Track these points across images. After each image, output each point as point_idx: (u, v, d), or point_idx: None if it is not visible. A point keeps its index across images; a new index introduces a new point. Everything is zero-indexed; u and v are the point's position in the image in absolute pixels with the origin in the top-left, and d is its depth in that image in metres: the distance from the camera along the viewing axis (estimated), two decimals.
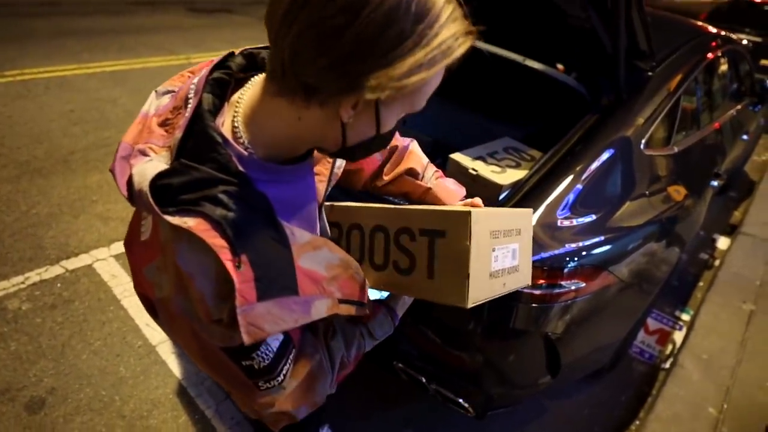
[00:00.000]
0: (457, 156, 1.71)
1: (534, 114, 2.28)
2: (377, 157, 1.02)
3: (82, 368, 1.89)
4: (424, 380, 1.55)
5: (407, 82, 0.49)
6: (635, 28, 1.50)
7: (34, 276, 2.30)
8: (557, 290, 1.34)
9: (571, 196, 1.42)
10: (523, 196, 1.43)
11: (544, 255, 1.33)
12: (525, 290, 1.33)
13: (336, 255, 0.68)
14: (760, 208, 3.61)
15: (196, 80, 0.63)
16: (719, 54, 2.31)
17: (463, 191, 1.04)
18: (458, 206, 0.92)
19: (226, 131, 0.60)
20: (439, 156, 1.87)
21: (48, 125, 3.80)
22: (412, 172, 1.01)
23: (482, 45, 1.84)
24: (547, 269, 1.33)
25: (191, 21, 9.28)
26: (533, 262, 1.17)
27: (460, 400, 1.53)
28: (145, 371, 1.91)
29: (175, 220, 0.53)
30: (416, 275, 0.72)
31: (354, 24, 0.46)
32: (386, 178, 1.02)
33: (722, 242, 3.37)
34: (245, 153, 0.59)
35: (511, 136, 1.93)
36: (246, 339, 0.54)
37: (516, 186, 1.54)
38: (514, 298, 1.34)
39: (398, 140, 1.02)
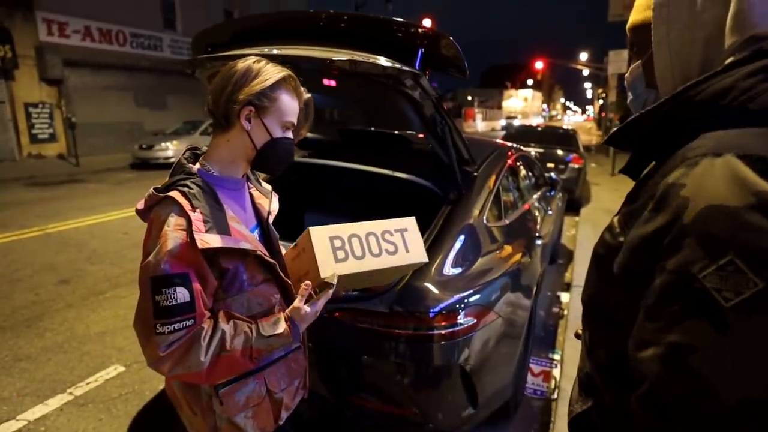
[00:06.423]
0: None
1: (411, 211, 2.88)
2: None
3: None
4: None
5: (256, 91, 1.05)
6: (459, 146, 2.22)
7: None
8: (457, 328, 1.77)
9: (448, 260, 1.93)
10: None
11: (443, 305, 1.78)
12: (436, 332, 1.74)
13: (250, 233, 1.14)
14: (580, 267, 4.66)
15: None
16: (516, 158, 3.28)
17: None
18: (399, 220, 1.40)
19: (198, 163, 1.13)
20: None
21: None
22: None
23: (365, 167, 2.43)
24: (446, 313, 1.77)
25: (35, 195, 8.85)
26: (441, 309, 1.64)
27: None
28: None
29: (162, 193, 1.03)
30: (399, 253, 1.26)
31: (226, 79, 1.08)
32: None
33: (565, 297, 4.25)
34: (202, 168, 1.11)
35: None
36: (199, 243, 0.95)
37: None
38: (430, 339, 1.73)
39: None
